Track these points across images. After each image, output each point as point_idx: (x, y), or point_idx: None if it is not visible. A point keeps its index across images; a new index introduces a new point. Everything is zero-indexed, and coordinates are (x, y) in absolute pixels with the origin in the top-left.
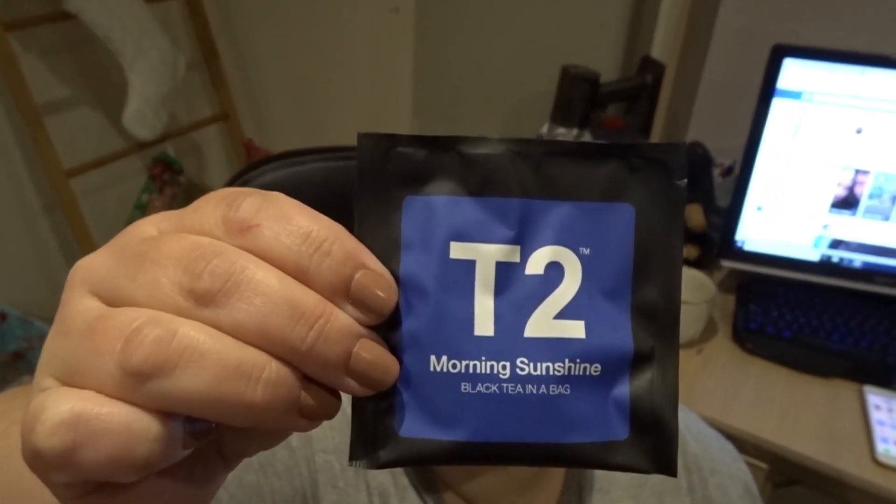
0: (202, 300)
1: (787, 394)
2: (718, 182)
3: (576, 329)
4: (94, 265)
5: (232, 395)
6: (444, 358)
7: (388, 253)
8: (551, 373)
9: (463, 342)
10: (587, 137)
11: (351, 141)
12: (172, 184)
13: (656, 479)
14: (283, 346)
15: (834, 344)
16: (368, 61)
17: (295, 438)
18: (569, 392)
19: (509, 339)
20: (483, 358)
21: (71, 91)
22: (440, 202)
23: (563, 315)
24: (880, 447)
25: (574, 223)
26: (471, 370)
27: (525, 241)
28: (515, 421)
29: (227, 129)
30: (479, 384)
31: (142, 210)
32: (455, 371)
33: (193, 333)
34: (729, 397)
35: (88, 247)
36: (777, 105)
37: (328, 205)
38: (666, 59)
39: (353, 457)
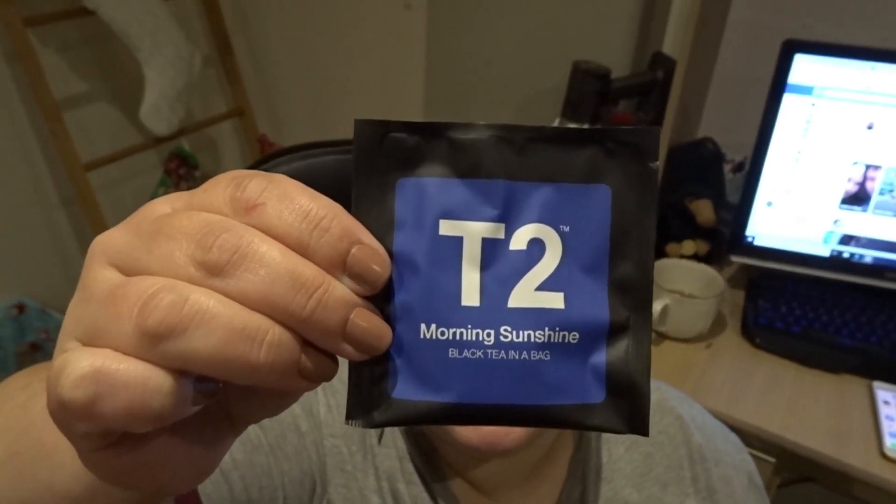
0: (212, 271)
1: (795, 389)
2: (729, 178)
3: (556, 300)
4: (112, 240)
5: (238, 355)
6: (434, 326)
7: (382, 230)
8: (532, 340)
9: (451, 312)
10: None
11: None
12: (188, 178)
13: (660, 469)
14: (285, 312)
15: (843, 339)
16: (381, 57)
17: (304, 423)
18: (549, 358)
19: (494, 309)
20: (469, 326)
21: (89, 86)
22: (430, 184)
23: (543, 287)
24: (888, 442)
25: (555, 203)
26: (458, 337)
27: (509, 219)
28: (499, 384)
29: (241, 124)
30: (466, 350)
31: None
32: (443, 338)
33: (203, 299)
34: (737, 392)
35: None
36: (788, 100)
37: (339, 196)
38: (677, 55)
39: (350, 416)
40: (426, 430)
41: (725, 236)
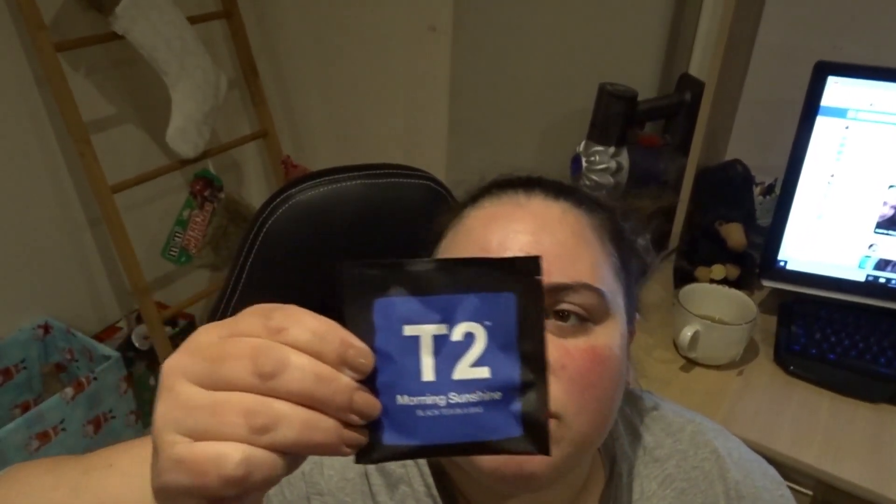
0: (266, 378)
1: (831, 418)
2: (759, 201)
3: (484, 372)
4: (183, 363)
5: (307, 438)
6: (406, 396)
7: (366, 335)
8: (470, 400)
9: (415, 386)
10: (624, 155)
11: (387, 158)
12: (212, 200)
13: None
14: (314, 399)
15: (881, 367)
16: (405, 80)
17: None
18: (482, 411)
19: (443, 381)
20: (428, 394)
21: (117, 109)
22: (396, 301)
23: (476, 364)
24: None
25: (479, 307)
26: (421, 402)
27: (450, 320)
28: (451, 430)
29: (265, 146)
30: (427, 410)
31: (182, 225)
32: (412, 403)
33: (279, 406)
34: (771, 421)
35: (131, 261)
36: (821, 123)
37: (364, 219)
38: (705, 77)
39: (357, 459)
40: (454, 478)
41: (756, 260)
